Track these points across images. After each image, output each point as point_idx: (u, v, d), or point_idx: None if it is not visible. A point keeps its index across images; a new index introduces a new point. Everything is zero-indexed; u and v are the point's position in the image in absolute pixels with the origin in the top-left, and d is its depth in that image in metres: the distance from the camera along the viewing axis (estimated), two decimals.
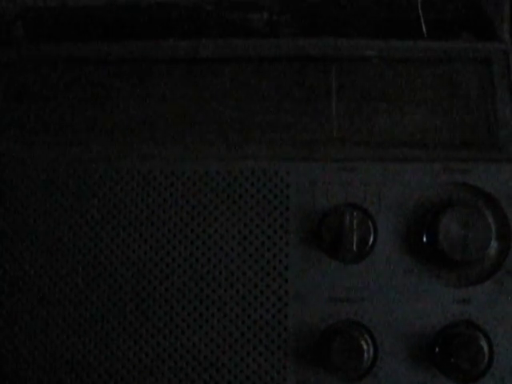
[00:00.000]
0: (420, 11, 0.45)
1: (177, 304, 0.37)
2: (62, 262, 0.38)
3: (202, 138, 0.39)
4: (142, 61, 0.41)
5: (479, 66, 0.40)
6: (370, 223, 0.37)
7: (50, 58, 0.41)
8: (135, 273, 0.37)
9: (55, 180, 0.39)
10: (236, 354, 0.36)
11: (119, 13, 0.48)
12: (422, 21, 0.45)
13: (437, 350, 0.36)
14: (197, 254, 0.37)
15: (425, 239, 0.37)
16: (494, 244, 0.37)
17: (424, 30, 0.45)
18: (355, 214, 0.36)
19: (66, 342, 0.37)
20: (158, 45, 0.41)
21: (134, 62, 0.41)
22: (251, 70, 0.40)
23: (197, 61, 0.40)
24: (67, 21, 0.46)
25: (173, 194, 0.38)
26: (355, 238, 0.36)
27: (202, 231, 0.38)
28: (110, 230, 0.37)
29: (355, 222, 0.36)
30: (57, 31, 0.45)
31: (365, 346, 0.35)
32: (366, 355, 0.35)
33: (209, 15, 0.48)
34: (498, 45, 0.40)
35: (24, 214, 0.38)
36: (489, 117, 0.39)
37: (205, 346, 0.36)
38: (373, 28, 0.47)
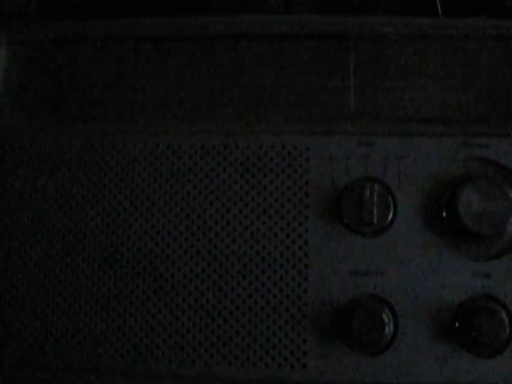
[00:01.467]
0: None
1: (197, 279, 0.37)
2: (76, 237, 0.38)
3: (220, 114, 0.39)
4: (157, 38, 0.41)
5: (495, 43, 0.40)
6: (389, 197, 0.37)
7: (64, 35, 0.41)
8: (154, 248, 0.37)
9: (70, 156, 0.38)
10: (257, 329, 0.36)
11: None
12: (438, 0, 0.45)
13: (457, 324, 0.36)
14: (217, 228, 0.37)
15: (444, 213, 0.37)
16: None
17: (439, 8, 0.45)
18: (375, 187, 0.36)
19: (79, 321, 0.37)
20: (174, 22, 0.41)
21: (149, 39, 0.41)
22: (268, 46, 0.40)
23: (213, 37, 0.40)
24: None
25: (193, 168, 0.37)
26: (375, 212, 0.36)
27: (222, 205, 0.37)
28: (130, 203, 0.37)
29: (375, 195, 0.36)
30: (69, 8, 0.45)
31: (386, 320, 0.35)
32: (387, 329, 0.35)
33: None
34: None
35: (40, 187, 0.38)
36: (507, 92, 0.39)
37: (225, 321, 0.36)
38: (389, 6, 0.47)
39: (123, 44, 0.41)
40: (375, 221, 0.36)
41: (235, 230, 0.37)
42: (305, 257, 0.37)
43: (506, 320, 0.35)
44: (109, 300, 0.36)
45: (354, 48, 0.40)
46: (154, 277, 0.37)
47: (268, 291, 0.36)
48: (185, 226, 0.37)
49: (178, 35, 0.41)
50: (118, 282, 0.37)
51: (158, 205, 0.37)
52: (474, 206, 0.36)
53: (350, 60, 0.40)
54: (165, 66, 0.40)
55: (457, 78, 0.39)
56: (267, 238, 0.37)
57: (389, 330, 0.35)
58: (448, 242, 0.37)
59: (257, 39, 0.40)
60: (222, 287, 0.37)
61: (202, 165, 0.38)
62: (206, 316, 0.36)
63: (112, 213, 0.37)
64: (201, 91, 0.39)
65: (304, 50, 0.40)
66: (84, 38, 0.41)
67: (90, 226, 0.37)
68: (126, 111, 0.39)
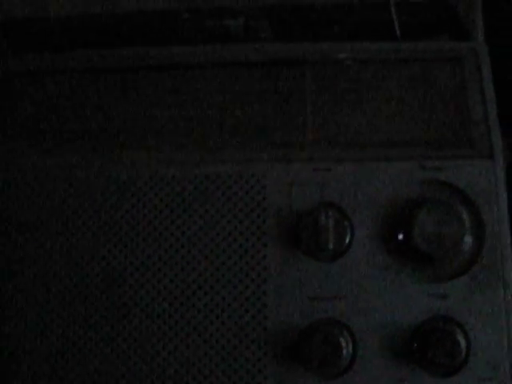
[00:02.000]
0: (393, 13, 0.46)
1: (156, 306, 0.37)
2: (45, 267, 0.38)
3: (178, 143, 0.40)
4: (117, 68, 0.42)
5: (451, 66, 0.41)
6: (346, 222, 0.38)
7: (34, 68, 0.42)
8: (113, 275, 0.38)
9: (41, 187, 0.39)
10: (216, 355, 0.37)
11: (97, 21, 0.49)
12: (396, 23, 0.46)
13: (415, 345, 0.36)
14: (175, 257, 0.38)
15: (400, 236, 0.38)
16: (468, 239, 0.37)
17: (398, 31, 0.46)
18: (330, 213, 0.37)
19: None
20: (133, 52, 0.42)
21: (109, 70, 0.42)
22: (226, 75, 0.41)
23: (171, 67, 0.41)
24: (46, 31, 0.47)
25: (151, 198, 0.38)
26: (331, 237, 0.37)
27: (181, 235, 0.38)
28: (90, 232, 0.38)
29: (331, 221, 0.37)
30: (36, 41, 0.46)
31: (343, 344, 0.36)
32: (344, 352, 0.35)
33: (186, 22, 0.49)
34: (468, 44, 0.41)
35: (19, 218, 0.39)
36: (462, 115, 0.40)
37: (185, 347, 0.37)
38: (348, 31, 0.48)
39: (86, 75, 0.41)
40: (331, 246, 0.37)
41: (194, 259, 0.38)
42: (264, 283, 0.37)
43: (462, 341, 0.36)
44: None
45: (310, 74, 0.41)
46: (114, 302, 0.37)
47: (228, 318, 0.37)
48: (145, 256, 0.38)
49: (133, 65, 0.41)
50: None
51: (117, 235, 0.38)
52: (428, 228, 0.37)
53: (306, 86, 0.41)
54: (119, 96, 0.41)
55: (412, 102, 0.40)
56: (226, 265, 0.37)
57: (347, 353, 0.36)
58: (405, 265, 0.37)
59: (213, 67, 0.41)
60: (182, 315, 0.37)
61: (161, 195, 0.38)
62: (168, 343, 0.37)
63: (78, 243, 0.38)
64: (156, 121, 0.40)
65: (261, 78, 0.41)
66: (50, 70, 0.42)
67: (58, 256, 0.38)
68: (87, 142, 0.40)
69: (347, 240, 0.37)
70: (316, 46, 0.41)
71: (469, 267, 0.37)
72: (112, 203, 0.38)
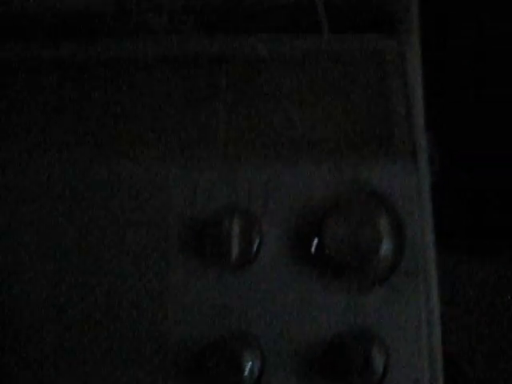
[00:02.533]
0: (320, 9, 0.44)
1: (54, 326, 0.35)
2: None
3: (79, 143, 0.37)
4: (33, 64, 0.39)
5: (374, 65, 0.38)
6: (254, 228, 0.35)
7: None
8: None
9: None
10: (113, 374, 0.34)
11: (23, 18, 0.47)
12: (324, 20, 0.44)
13: (328, 361, 0.34)
14: (73, 261, 0.35)
15: (313, 244, 0.35)
16: (386, 246, 0.34)
17: (325, 27, 0.44)
18: (236, 218, 0.34)
19: None
20: (52, 48, 0.39)
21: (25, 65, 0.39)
22: (136, 71, 0.38)
23: (80, 64, 0.39)
24: None
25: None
26: (236, 245, 0.34)
27: (84, 241, 0.35)
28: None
29: (235, 226, 0.34)
30: None
31: (248, 360, 0.33)
32: (247, 371, 0.33)
33: (108, 18, 0.47)
34: (393, 43, 0.39)
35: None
36: (382, 113, 0.37)
37: (77, 366, 0.34)
38: (273, 27, 0.46)
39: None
40: (234, 254, 0.34)
41: (92, 267, 0.35)
42: (165, 294, 0.34)
43: (379, 356, 0.33)
44: None
45: (225, 70, 0.38)
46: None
47: (125, 333, 0.34)
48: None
49: (48, 61, 0.39)
50: None
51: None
52: (341, 235, 0.34)
53: (219, 84, 0.38)
54: (34, 93, 0.38)
55: (330, 100, 0.37)
56: (125, 273, 0.35)
57: (251, 372, 0.33)
58: (318, 275, 0.35)
59: (120, 63, 0.38)
60: (81, 333, 0.34)
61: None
62: (67, 367, 0.34)
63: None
64: (62, 118, 0.37)
65: (173, 74, 0.38)
66: None
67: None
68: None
69: (255, 248, 0.34)
70: (234, 40, 0.39)
71: (387, 276, 0.34)
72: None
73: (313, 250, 0.34)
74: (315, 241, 0.34)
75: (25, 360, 0.35)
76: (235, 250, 0.34)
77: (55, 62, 0.39)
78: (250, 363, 0.33)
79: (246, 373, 0.32)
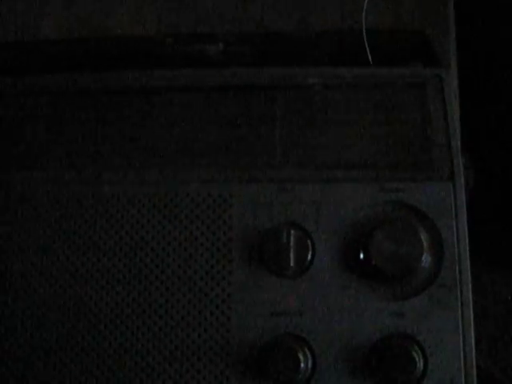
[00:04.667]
0: (365, 40, 0.48)
1: (122, 323, 0.39)
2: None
3: (150, 163, 0.42)
4: (100, 91, 0.44)
5: (415, 91, 0.42)
6: (308, 241, 0.39)
7: (14, 90, 0.44)
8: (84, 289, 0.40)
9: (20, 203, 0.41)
10: (180, 369, 0.38)
11: (84, 45, 0.51)
12: (368, 50, 0.48)
13: (372, 362, 0.38)
14: (142, 275, 0.39)
15: (361, 255, 0.39)
16: (426, 259, 0.39)
17: (370, 59, 0.47)
18: (292, 232, 0.38)
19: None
20: (115, 76, 0.44)
21: (92, 93, 0.44)
22: (199, 99, 0.43)
23: (147, 90, 0.43)
24: (35, 53, 0.50)
25: (120, 217, 0.40)
26: (292, 255, 0.38)
27: (146, 254, 0.40)
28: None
29: (292, 239, 0.38)
30: (22, 64, 0.48)
31: (302, 358, 0.37)
32: (302, 367, 0.37)
33: (168, 48, 0.51)
34: (433, 70, 0.43)
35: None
36: (423, 139, 0.41)
37: (147, 365, 0.38)
38: (323, 58, 0.50)
39: (58, 97, 0.43)
40: (291, 264, 0.38)
41: (161, 276, 0.39)
42: (228, 298, 0.39)
43: (419, 358, 0.37)
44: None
45: (280, 99, 0.43)
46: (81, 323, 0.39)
47: (193, 331, 0.39)
48: (110, 276, 0.39)
49: (114, 88, 0.43)
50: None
51: (84, 255, 0.40)
52: (386, 248, 0.38)
53: (275, 110, 0.42)
54: (99, 119, 0.43)
55: (375, 126, 0.41)
56: (192, 280, 0.39)
57: (305, 368, 0.37)
58: (364, 284, 0.39)
59: (187, 91, 0.43)
60: (146, 330, 0.39)
61: (129, 215, 0.40)
62: (129, 359, 0.39)
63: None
64: (130, 143, 0.42)
65: (232, 102, 0.43)
66: (30, 91, 0.44)
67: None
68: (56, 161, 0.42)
69: (308, 258, 0.39)
70: (287, 71, 0.43)
71: (427, 286, 0.38)
72: (80, 222, 0.40)
73: (360, 261, 0.39)
74: (363, 253, 0.39)
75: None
76: (292, 260, 0.38)
77: (120, 91, 0.43)
78: (304, 361, 0.37)
79: (301, 370, 0.36)
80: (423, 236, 0.38)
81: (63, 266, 0.40)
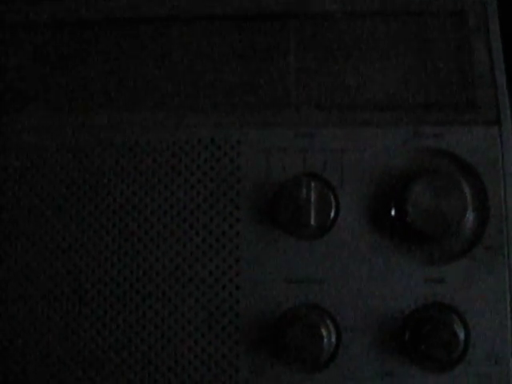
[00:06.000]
0: None
1: (119, 288, 0.33)
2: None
3: (145, 104, 0.35)
4: (79, 21, 0.37)
5: (453, 19, 0.36)
6: (330, 195, 0.33)
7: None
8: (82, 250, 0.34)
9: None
10: (185, 343, 0.33)
11: None
12: None
13: (406, 335, 0.32)
14: (140, 230, 0.33)
15: (393, 212, 0.33)
16: (470, 216, 0.33)
17: None
18: (313, 184, 0.32)
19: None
20: (98, 5, 0.37)
21: (70, 24, 0.37)
22: (200, 29, 0.36)
23: (139, 20, 0.36)
24: None
25: (118, 165, 0.34)
26: (313, 212, 0.32)
27: (146, 206, 0.34)
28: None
29: (313, 194, 0.32)
30: None
31: (324, 333, 0.31)
32: (325, 343, 0.31)
33: None
34: (475, 2, 0.36)
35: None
36: (464, 74, 0.35)
37: (149, 335, 0.33)
38: None
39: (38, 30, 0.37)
40: (312, 222, 0.32)
41: (160, 234, 0.33)
42: (236, 263, 0.33)
43: (460, 331, 0.32)
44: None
45: (293, 29, 0.36)
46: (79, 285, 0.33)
47: (196, 302, 0.33)
48: (108, 229, 0.34)
49: (99, 18, 0.37)
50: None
51: (88, 204, 0.34)
52: (424, 203, 0.32)
53: (289, 42, 0.36)
54: (83, 53, 0.36)
55: (407, 60, 0.35)
56: (195, 242, 0.33)
57: (329, 343, 0.32)
58: (397, 245, 0.33)
59: (185, 21, 0.36)
60: (145, 298, 0.33)
61: (124, 162, 0.34)
62: (130, 330, 0.33)
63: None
64: (124, 80, 0.35)
65: (240, 32, 0.36)
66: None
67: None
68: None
69: (331, 216, 0.33)
70: None
71: (470, 248, 0.33)
72: (81, 167, 0.34)
73: (392, 218, 0.33)
74: (395, 209, 0.33)
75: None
76: (314, 218, 0.32)
77: (120, 20, 0.37)
78: (327, 337, 0.31)
79: (324, 347, 0.31)
80: (467, 190, 0.33)
81: (72, 217, 0.33)
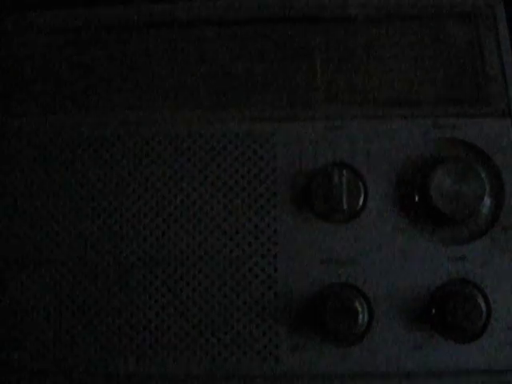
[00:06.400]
0: None
1: (163, 273, 0.35)
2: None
3: (185, 102, 0.38)
4: (119, 26, 0.39)
5: (465, 21, 0.39)
6: (359, 182, 0.36)
7: (31, 27, 0.40)
8: (124, 236, 0.36)
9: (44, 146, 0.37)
10: (226, 322, 0.35)
11: None
12: None
13: (433, 310, 0.35)
14: (183, 218, 0.36)
15: (416, 197, 0.36)
16: (487, 200, 0.36)
17: None
18: (344, 172, 0.35)
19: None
20: (135, 9, 0.40)
21: (110, 28, 0.39)
22: (233, 32, 0.39)
23: (176, 24, 0.39)
24: None
25: (160, 157, 0.36)
26: (345, 198, 0.35)
27: (188, 195, 0.36)
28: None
29: (344, 181, 0.35)
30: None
31: (359, 309, 0.34)
32: (360, 318, 0.34)
33: None
34: (484, 4, 0.39)
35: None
36: (477, 71, 0.38)
37: (193, 316, 0.35)
38: None
39: (77, 33, 0.39)
40: (345, 207, 0.35)
41: (202, 221, 0.36)
42: (274, 246, 0.35)
43: (483, 304, 0.34)
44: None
45: (320, 31, 0.39)
46: (127, 265, 0.35)
47: (237, 283, 0.35)
48: (150, 218, 0.36)
49: (136, 23, 0.39)
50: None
51: (120, 196, 0.36)
52: (446, 188, 0.35)
53: (316, 43, 0.39)
54: (124, 55, 0.39)
55: (426, 58, 0.38)
56: (235, 228, 0.35)
57: (363, 319, 0.34)
58: (421, 227, 0.36)
59: (218, 24, 0.39)
60: (189, 280, 0.35)
61: (166, 155, 0.36)
62: (174, 311, 0.35)
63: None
64: (164, 80, 0.38)
65: (269, 35, 0.39)
66: (38, 28, 0.39)
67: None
68: (85, 100, 0.38)
69: (361, 201, 0.36)
70: (326, 2, 0.40)
71: (488, 229, 0.36)
72: (116, 162, 0.36)
73: (416, 202, 0.36)
74: (418, 194, 0.36)
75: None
76: (345, 203, 0.35)
77: (146, 24, 0.39)
78: (362, 313, 0.34)
79: (359, 322, 0.33)
80: (484, 174, 0.35)
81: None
